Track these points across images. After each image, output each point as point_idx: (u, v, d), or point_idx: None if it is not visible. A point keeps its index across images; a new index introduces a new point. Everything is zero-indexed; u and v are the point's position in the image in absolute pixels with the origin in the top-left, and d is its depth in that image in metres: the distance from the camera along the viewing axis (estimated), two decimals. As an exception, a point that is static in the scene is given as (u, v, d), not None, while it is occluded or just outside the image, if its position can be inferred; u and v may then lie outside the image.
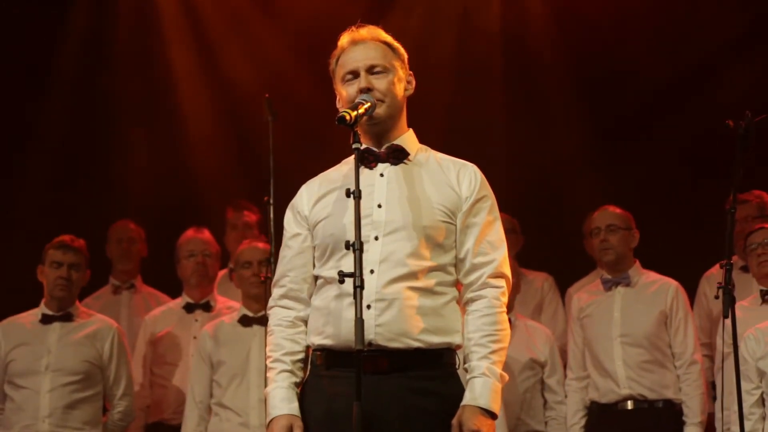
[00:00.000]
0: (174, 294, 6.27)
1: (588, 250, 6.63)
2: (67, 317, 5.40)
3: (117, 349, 5.41)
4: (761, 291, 5.39)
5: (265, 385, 3.40)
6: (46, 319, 5.38)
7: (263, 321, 5.46)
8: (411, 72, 3.46)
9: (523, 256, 6.18)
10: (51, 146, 7.48)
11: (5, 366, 5.34)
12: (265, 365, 3.41)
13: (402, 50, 3.44)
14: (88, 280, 5.56)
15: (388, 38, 3.43)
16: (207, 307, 6.02)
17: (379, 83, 3.34)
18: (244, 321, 5.53)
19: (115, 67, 7.61)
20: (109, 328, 5.44)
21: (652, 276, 5.61)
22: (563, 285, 6.59)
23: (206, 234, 6.17)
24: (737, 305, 5.03)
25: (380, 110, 3.33)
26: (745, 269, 5.81)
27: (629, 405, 5.42)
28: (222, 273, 6.44)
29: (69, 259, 5.34)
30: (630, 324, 5.48)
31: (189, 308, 6.03)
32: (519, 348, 5.48)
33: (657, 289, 5.53)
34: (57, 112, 7.53)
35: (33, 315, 5.42)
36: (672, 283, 5.53)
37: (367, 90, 3.32)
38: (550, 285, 6.53)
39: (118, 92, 7.59)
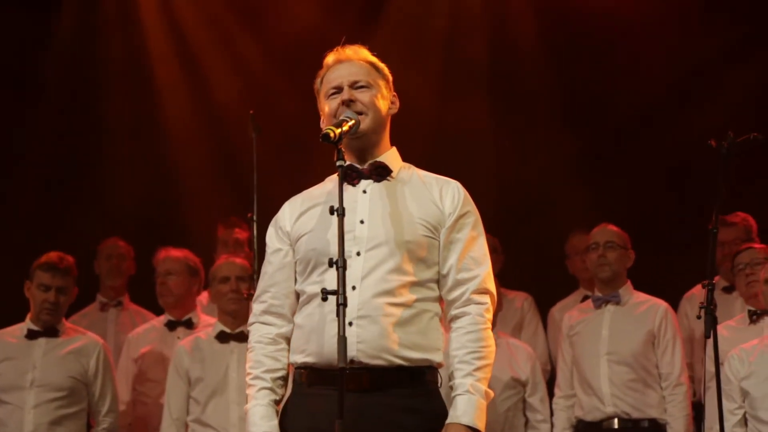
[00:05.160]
0: (160, 312, 6.26)
1: (571, 269, 6.66)
2: (53, 333, 5.37)
3: (102, 365, 5.38)
4: (749, 311, 5.41)
5: (246, 402, 3.39)
6: (31, 335, 5.35)
7: (241, 337, 5.45)
8: (395, 93, 3.48)
9: (504, 276, 6.19)
10: (38, 162, 7.47)
11: None
12: (245, 382, 3.40)
13: (386, 71, 3.47)
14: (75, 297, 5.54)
15: (373, 58, 3.45)
16: (189, 325, 6.00)
17: (362, 96, 3.36)
18: (222, 337, 5.49)
19: (101, 83, 7.62)
20: (94, 344, 5.42)
21: (642, 296, 5.62)
22: (543, 305, 6.59)
23: (169, 252, 6.11)
24: (724, 325, 5.09)
25: (363, 124, 3.34)
26: (727, 290, 5.83)
27: (615, 424, 5.43)
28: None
29: (57, 283, 5.31)
30: (617, 342, 5.49)
31: (171, 326, 6.00)
32: (501, 366, 5.47)
33: (646, 309, 5.54)
34: (44, 130, 7.53)
35: (18, 330, 5.39)
36: (662, 304, 5.55)
37: (350, 102, 3.33)
38: (530, 304, 6.55)
39: (104, 109, 7.61)
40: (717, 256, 5.63)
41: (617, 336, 5.51)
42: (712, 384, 4.53)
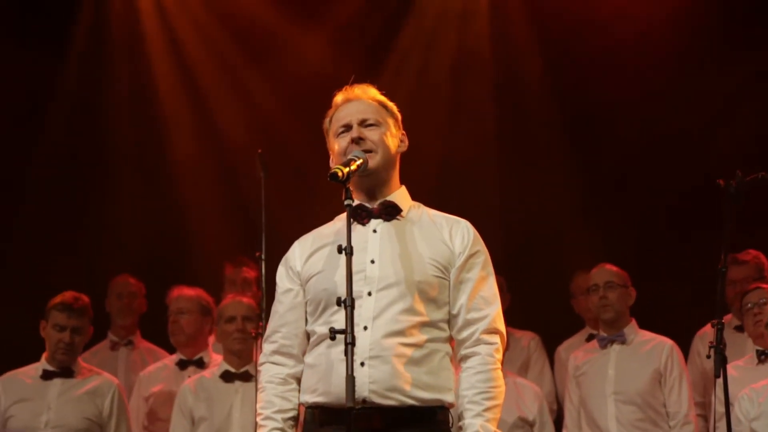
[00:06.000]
0: (171, 348, 6.25)
1: (576, 308, 6.65)
2: (68, 373, 5.37)
3: (117, 406, 5.38)
4: (757, 351, 5.39)
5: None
6: (46, 375, 5.35)
7: (245, 377, 5.45)
8: (404, 132, 3.49)
9: (510, 315, 6.16)
10: (47, 201, 7.47)
11: (4, 422, 5.30)
12: (253, 422, 3.39)
13: (395, 109, 3.48)
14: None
15: (382, 97, 3.47)
16: (200, 364, 5.98)
17: (371, 134, 3.37)
18: (226, 376, 5.49)
19: (109, 122, 7.64)
20: (109, 384, 5.42)
21: (648, 335, 5.62)
22: (549, 343, 6.57)
23: (182, 291, 6.11)
24: (733, 365, 5.06)
25: (372, 161, 3.34)
26: (739, 329, 5.81)
27: (623, 463, 5.41)
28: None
29: (72, 323, 5.32)
30: (624, 382, 5.48)
31: (182, 365, 5.99)
32: (508, 406, 5.41)
33: (652, 347, 5.53)
34: (52, 169, 7.54)
35: (33, 370, 5.40)
36: (667, 342, 5.54)
37: (359, 140, 3.34)
38: (537, 343, 6.53)
39: (113, 148, 7.64)
40: (729, 295, 5.66)
41: (623, 375, 5.50)
42: (722, 424, 4.51)
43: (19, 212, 7.44)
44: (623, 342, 5.58)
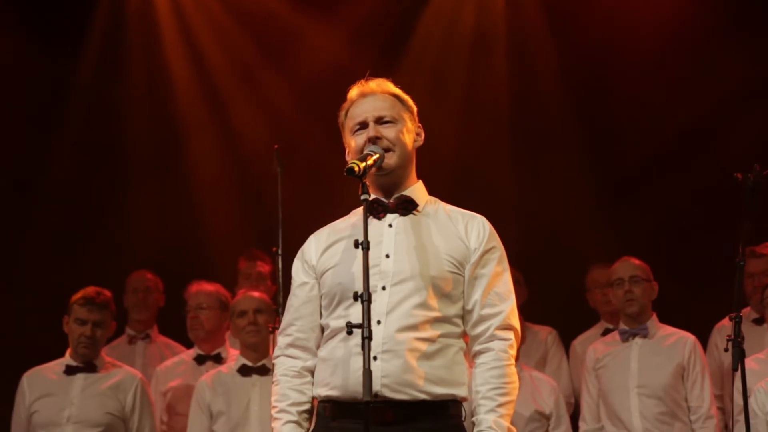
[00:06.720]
0: (187, 343, 6.27)
1: (591, 302, 6.63)
2: (91, 368, 5.40)
3: (140, 400, 5.40)
4: None
5: (270, 435, 3.39)
6: (70, 370, 5.38)
7: (262, 370, 5.46)
8: (420, 125, 3.48)
9: (528, 309, 6.17)
10: (65, 197, 7.51)
11: (29, 417, 5.34)
12: (270, 415, 3.39)
13: (411, 102, 3.47)
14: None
15: (397, 90, 3.46)
16: (218, 359, 6.00)
17: (388, 132, 3.36)
18: (243, 370, 5.50)
19: (126, 120, 7.67)
20: (132, 379, 5.44)
21: (669, 329, 5.61)
22: (564, 337, 6.56)
23: (201, 286, 6.13)
24: (753, 358, 5.05)
25: (390, 160, 3.34)
26: (757, 322, 5.80)
27: (644, 457, 5.41)
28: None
29: (94, 317, 5.34)
30: (647, 375, 5.47)
31: (200, 360, 6.02)
32: (524, 400, 5.44)
33: (674, 342, 5.52)
34: (70, 164, 7.58)
35: (58, 365, 5.42)
36: (689, 337, 5.53)
37: (376, 139, 3.33)
38: (554, 338, 6.52)
39: (130, 143, 7.66)
40: (747, 288, 5.65)
41: (647, 369, 5.49)
42: (741, 417, 4.50)
43: (38, 210, 7.48)
44: (645, 336, 5.57)
